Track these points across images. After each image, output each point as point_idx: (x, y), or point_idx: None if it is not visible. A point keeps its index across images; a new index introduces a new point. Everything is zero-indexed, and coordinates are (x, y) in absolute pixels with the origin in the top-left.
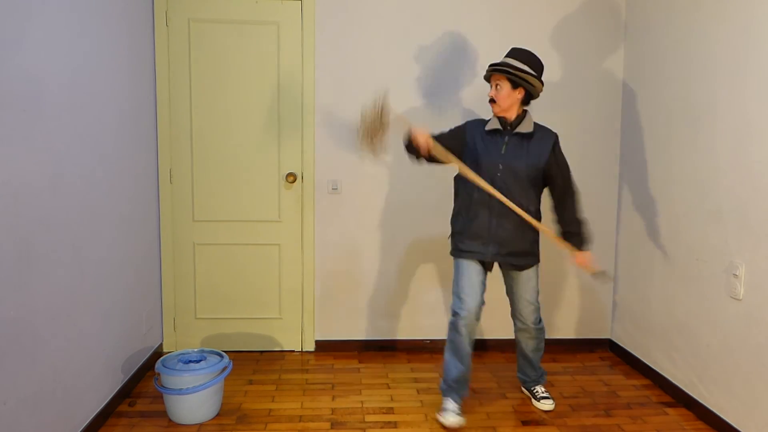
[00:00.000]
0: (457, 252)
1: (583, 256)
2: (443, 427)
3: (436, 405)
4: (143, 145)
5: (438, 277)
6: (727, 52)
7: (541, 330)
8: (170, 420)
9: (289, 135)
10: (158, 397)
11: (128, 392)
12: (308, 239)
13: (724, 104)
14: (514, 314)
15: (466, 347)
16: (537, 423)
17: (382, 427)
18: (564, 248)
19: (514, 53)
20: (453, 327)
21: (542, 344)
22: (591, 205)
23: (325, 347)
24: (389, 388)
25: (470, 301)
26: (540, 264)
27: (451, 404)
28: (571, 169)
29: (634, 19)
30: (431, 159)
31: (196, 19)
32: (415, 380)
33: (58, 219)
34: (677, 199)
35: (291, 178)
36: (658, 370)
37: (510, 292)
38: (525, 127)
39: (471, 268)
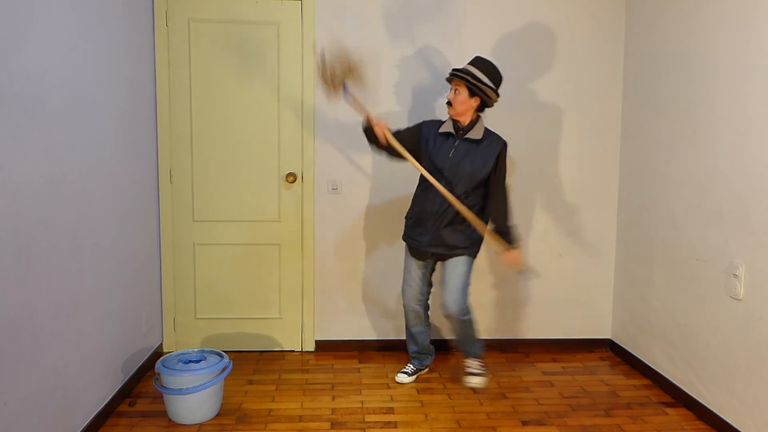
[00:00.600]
0: (404, 236)
1: (511, 254)
2: (395, 382)
3: (436, 405)
4: (143, 144)
5: (437, 278)
6: (727, 52)
7: (466, 322)
8: (170, 420)
9: (289, 135)
10: (158, 397)
11: (128, 392)
12: (308, 239)
13: (724, 104)
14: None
15: (412, 328)
16: (537, 423)
17: (382, 427)
18: (496, 245)
19: (477, 62)
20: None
21: (468, 337)
22: (591, 205)
23: (325, 347)
24: (389, 388)
25: (409, 291)
26: (474, 260)
27: (409, 368)
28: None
29: (634, 19)
30: (390, 152)
31: (196, 19)
32: (415, 380)
33: (58, 219)
34: (677, 199)
35: (291, 178)
36: (658, 370)
37: (440, 281)
38: (475, 134)
39: (411, 262)
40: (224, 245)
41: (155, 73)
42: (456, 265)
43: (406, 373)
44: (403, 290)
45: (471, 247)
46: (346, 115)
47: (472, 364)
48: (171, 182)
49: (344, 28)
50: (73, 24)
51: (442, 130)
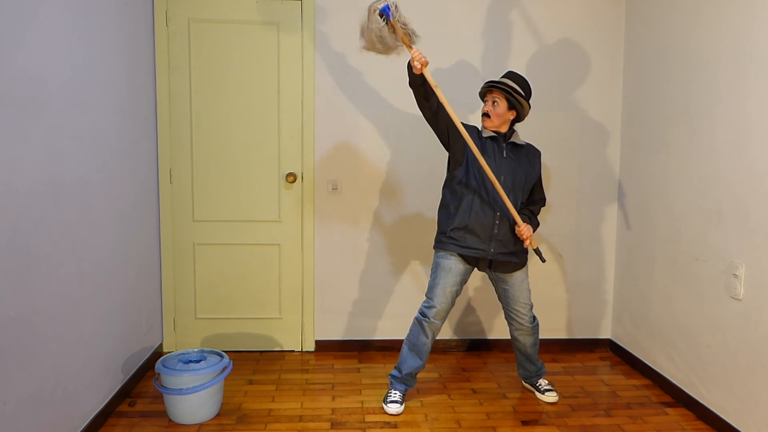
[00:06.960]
0: (450, 246)
1: (526, 228)
2: (386, 413)
3: (436, 405)
4: (143, 145)
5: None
6: (727, 52)
7: (537, 327)
8: (170, 420)
9: (289, 135)
10: (158, 397)
11: (128, 392)
12: (308, 239)
13: (724, 104)
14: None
15: (424, 345)
16: (537, 423)
17: (382, 427)
18: (516, 218)
19: (512, 76)
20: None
21: (538, 344)
22: (591, 205)
23: (325, 347)
24: None
25: (442, 307)
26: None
27: (397, 394)
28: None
29: (634, 19)
30: (426, 101)
31: (196, 19)
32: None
33: (58, 219)
34: (677, 199)
35: (291, 178)
36: (658, 370)
37: (503, 297)
38: (518, 139)
39: (451, 276)
40: (224, 245)
41: (155, 73)
42: (522, 278)
43: (397, 402)
44: (431, 306)
45: (525, 254)
46: (346, 114)
47: (543, 382)
48: (171, 182)
49: (345, 28)
50: (73, 24)
51: (486, 135)
